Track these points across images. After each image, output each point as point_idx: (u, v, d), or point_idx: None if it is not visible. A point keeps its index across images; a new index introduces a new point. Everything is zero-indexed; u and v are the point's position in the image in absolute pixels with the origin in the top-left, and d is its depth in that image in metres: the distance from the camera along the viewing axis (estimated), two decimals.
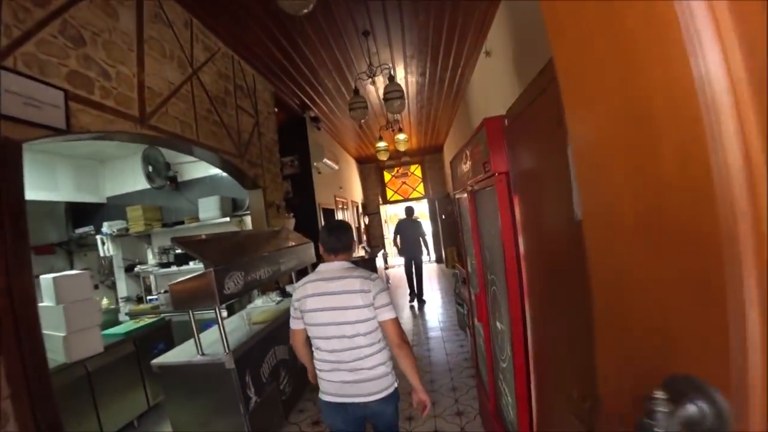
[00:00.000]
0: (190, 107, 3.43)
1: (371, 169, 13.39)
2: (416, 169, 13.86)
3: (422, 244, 7.51)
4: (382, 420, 1.91)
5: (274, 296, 4.00)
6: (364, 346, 1.79)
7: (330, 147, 8.12)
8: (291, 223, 5.26)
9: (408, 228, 7.55)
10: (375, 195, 13.36)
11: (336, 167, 7.87)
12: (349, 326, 1.77)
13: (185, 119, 3.35)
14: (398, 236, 7.56)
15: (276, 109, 6.10)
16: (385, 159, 7.18)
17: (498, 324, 2.11)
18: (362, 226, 11.85)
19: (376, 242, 13.36)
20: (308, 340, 1.96)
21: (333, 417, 1.90)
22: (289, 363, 3.43)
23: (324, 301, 1.79)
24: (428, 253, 7.78)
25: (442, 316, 6.27)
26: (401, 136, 6.62)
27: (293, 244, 4.06)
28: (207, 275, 2.26)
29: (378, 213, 13.26)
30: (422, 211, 15.38)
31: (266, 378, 2.93)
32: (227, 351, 2.43)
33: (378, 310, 1.79)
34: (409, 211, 7.79)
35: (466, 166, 2.36)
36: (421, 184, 13.91)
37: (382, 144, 6.93)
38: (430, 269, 11.74)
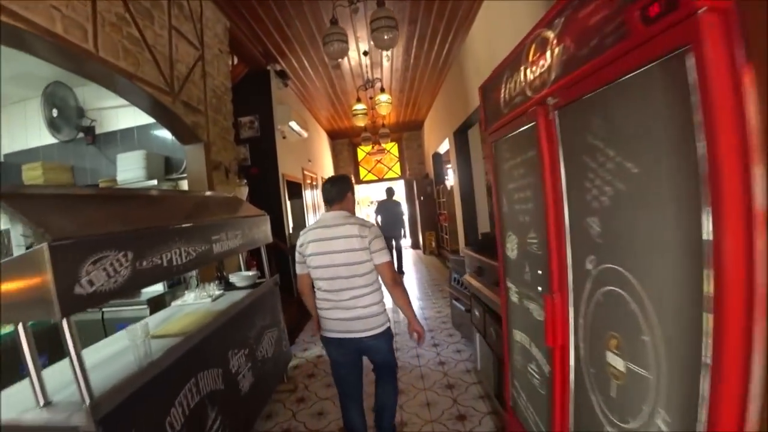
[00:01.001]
0: None
1: (344, 146, 12.23)
2: (392, 147, 12.82)
3: (401, 224, 7.81)
4: (378, 354, 2.13)
5: (212, 289, 2.87)
6: (360, 287, 1.99)
7: (299, 111, 6.97)
8: (243, 191, 4.14)
9: (389, 208, 7.79)
10: (348, 173, 12.24)
11: (305, 134, 6.72)
12: (345, 268, 1.96)
13: (73, 15, 2.17)
14: (379, 216, 7.77)
15: (232, 53, 4.89)
16: (363, 125, 6.10)
17: (615, 358, 1.12)
18: None
19: None
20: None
21: (333, 351, 2.11)
22: (223, 394, 2.18)
23: (324, 245, 1.97)
24: (404, 235, 8.00)
25: (428, 312, 5.34)
26: (383, 97, 5.57)
27: (239, 215, 2.97)
28: (35, 257, 1.14)
29: None
30: (398, 192, 14.42)
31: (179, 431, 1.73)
32: (87, 401, 1.29)
33: (373, 254, 2.00)
34: (390, 191, 8.04)
35: (538, 63, 1.37)
36: (398, 163, 12.90)
37: (359, 106, 5.85)
38: (406, 256, 10.83)
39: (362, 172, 12.87)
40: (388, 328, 2.10)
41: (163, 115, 3.12)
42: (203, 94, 3.69)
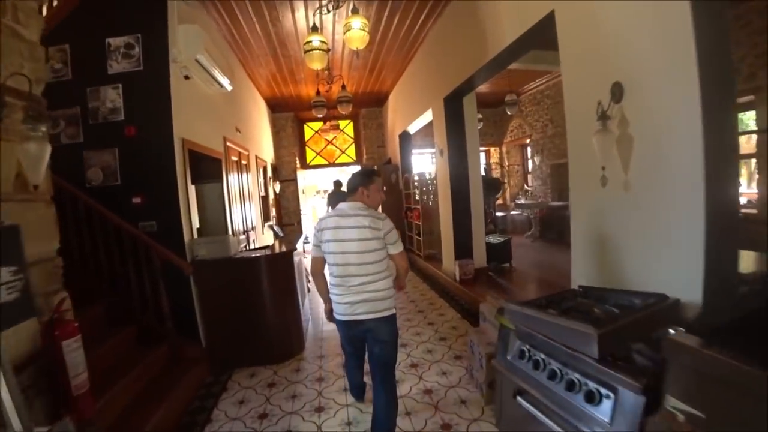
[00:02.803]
0: None
1: (287, 121, 9.81)
2: (347, 126, 10.62)
3: None
4: (378, 339, 2.19)
5: None
6: (369, 274, 2.13)
7: (224, 54, 4.61)
8: (35, 151, 1.75)
9: (339, 200, 6.24)
10: (291, 155, 9.86)
11: (227, 84, 4.38)
12: (356, 255, 2.11)
13: None
14: (330, 207, 7.52)
15: None
16: (321, 68, 3.90)
17: None
18: (271, 195, 8.40)
19: (289, 219, 9.95)
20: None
21: (343, 331, 2.32)
22: None
23: (339, 233, 2.13)
24: None
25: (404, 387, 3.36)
26: (356, 23, 3.43)
27: None
28: None
29: (294, 180, 9.80)
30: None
31: None
32: None
33: (389, 246, 2.19)
34: (338, 183, 7.85)
35: None
36: (352, 145, 10.71)
37: (316, 38, 3.66)
38: None
39: (309, 155, 10.54)
40: (394, 315, 2.24)
41: None
42: None
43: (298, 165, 9.98)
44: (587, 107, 2.51)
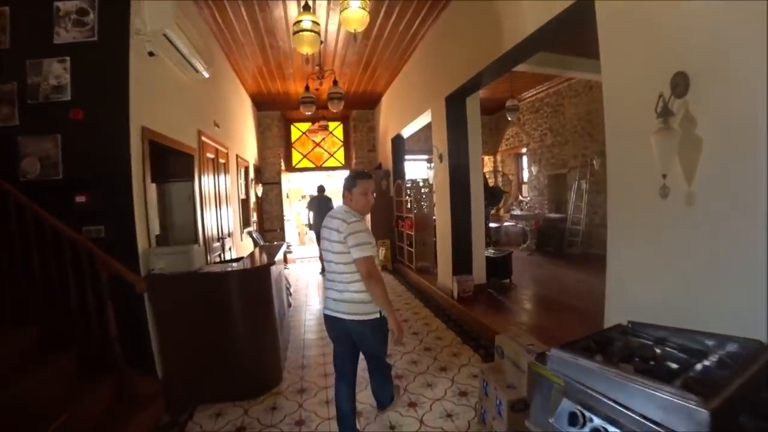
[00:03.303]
0: None
1: (273, 120, 9.24)
2: (337, 129, 10.11)
3: None
4: (362, 342, 2.26)
5: None
6: (346, 273, 2.14)
7: (206, 41, 4.05)
8: None
9: (321, 205, 7.41)
10: (275, 157, 9.28)
11: (202, 69, 3.83)
12: (334, 255, 2.16)
13: None
14: (311, 213, 7.54)
15: None
16: (310, 53, 3.40)
17: None
18: (252, 198, 7.81)
19: (272, 225, 9.34)
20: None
21: (328, 328, 2.32)
22: None
23: (325, 233, 2.23)
24: None
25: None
26: (354, 2, 2.93)
27: None
28: None
29: (278, 183, 9.20)
30: (338, 187, 12.06)
31: None
32: None
33: (351, 249, 2.09)
34: (321, 188, 7.80)
35: None
36: (341, 148, 10.20)
37: (307, 19, 3.15)
38: None
39: (295, 157, 9.98)
40: (377, 319, 2.18)
41: None
42: None
43: (283, 167, 9.40)
44: (636, 102, 2.06)
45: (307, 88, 5.61)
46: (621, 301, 2.28)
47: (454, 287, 4.79)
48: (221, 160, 5.13)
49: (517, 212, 9.92)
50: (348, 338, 2.26)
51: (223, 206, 5.03)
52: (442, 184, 5.17)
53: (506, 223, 9.92)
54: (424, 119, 6.06)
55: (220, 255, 4.62)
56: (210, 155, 4.61)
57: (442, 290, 5.24)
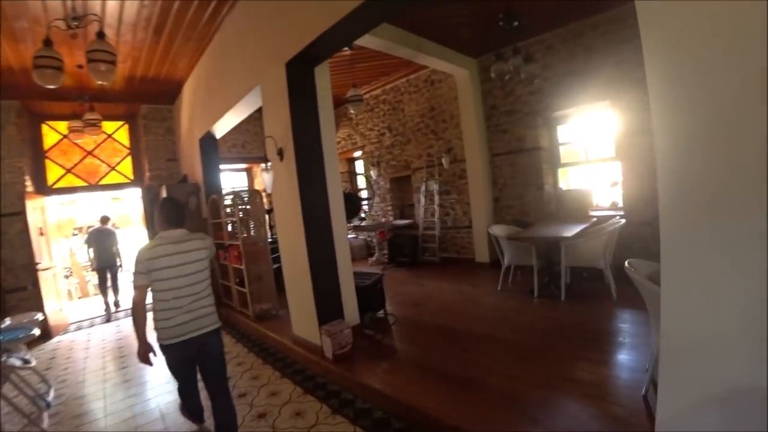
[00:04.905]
0: None
1: (10, 115, 5.99)
2: (120, 132, 7.36)
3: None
4: (213, 352, 2.35)
5: None
6: (202, 290, 2.31)
7: None
8: None
9: (102, 238, 6.69)
10: (15, 173, 6.06)
11: None
12: (193, 276, 2.27)
13: None
14: (91, 249, 6.63)
15: None
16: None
17: None
18: None
19: (16, 281, 5.99)
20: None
21: (176, 354, 2.25)
22: None
23: (176, 259, 2.22)
24: (120, 264, 7.06)
25: None
26: None
27: None
28: None
29: (21, 214, 5.96)
30: (136, 209, 9.43)
31: None
32: None
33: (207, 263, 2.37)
34: (104, 218, 7.04)
35: None
36: (129, 157, 7.47)
37: None
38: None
39: (54, 172, 6.84)
40: (220, 326, 2.39)
41: None
42: None
43: (31, 188, 6.22)
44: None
45: (47, 43, 3.22)
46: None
47: (325, 344, 3.25)
48: None
49: (358, 223, 8.91)
50: (197, 355, 2.31)
51: None
52: (287, 194, 3.58)
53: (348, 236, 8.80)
54: (249, 104, 4.36)
55: None
56: None
57: (302, 346, 3.62)
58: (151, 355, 2.25)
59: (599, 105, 5.23)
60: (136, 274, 2.20)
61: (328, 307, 3.43)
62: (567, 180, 6.17)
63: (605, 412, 2.21)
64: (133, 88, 6.35)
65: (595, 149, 5.72)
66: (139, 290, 2.23)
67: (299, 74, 3.34)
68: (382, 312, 4.22)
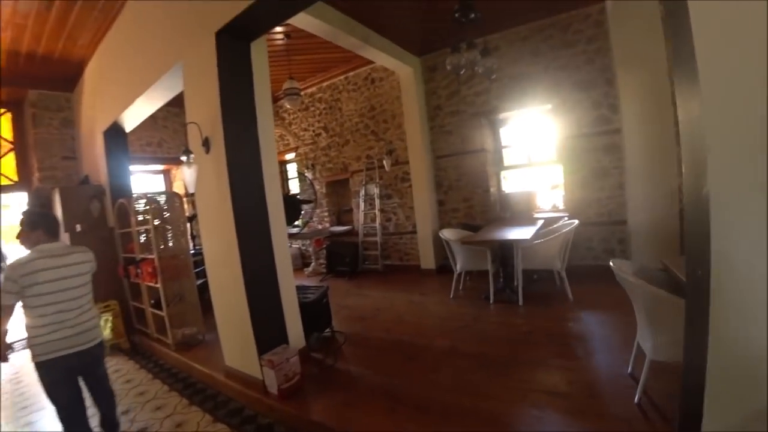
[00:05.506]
0: None
1: None
2: (2, 121, 6.05)
3: None
4: (98, 369, 2.28)
5: None
6: (86, 303, 2.22)
7: None
8: None
9: None
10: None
11: None
12: (79, 289, 2.18)
13: None
14: None
15: None
16: None
17: None
18: None
19: None
20: None
21: (64, 371, 2.10)
22: None
23: (59, 272, 2.11)
24: None
25: None
26: None
27: None
28: None
29: None
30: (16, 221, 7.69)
31: None
32: None
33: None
34: None
35: None
36: (11, 153, 6.16)
37: None
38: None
39: None
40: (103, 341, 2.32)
41: None
42: None
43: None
44: None
45: None
46: None
47: (267, 377, 2.66)
48: None
49: (291, 230, 8.26)
50: (77, 379, 2.20)
51: None
52: (215, 192, 2.94)
53: None
54: (167, 88, 3.64)
55: None
56: None
57: (238, 380, 2.97)
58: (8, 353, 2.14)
59: (542, 108, 5.24)
60: (6, 293, 2.01)
61: (268, 330, 2.84)
62: (508, 183, 6.13)
63: (605, 428, 1.96)
64: (18, 67, 5.19)
65: (536, 152, 5.72)
66: (10, 310, 2.05)
67: (232, 48, 2.75)
68: (328, 330, 3.71)
